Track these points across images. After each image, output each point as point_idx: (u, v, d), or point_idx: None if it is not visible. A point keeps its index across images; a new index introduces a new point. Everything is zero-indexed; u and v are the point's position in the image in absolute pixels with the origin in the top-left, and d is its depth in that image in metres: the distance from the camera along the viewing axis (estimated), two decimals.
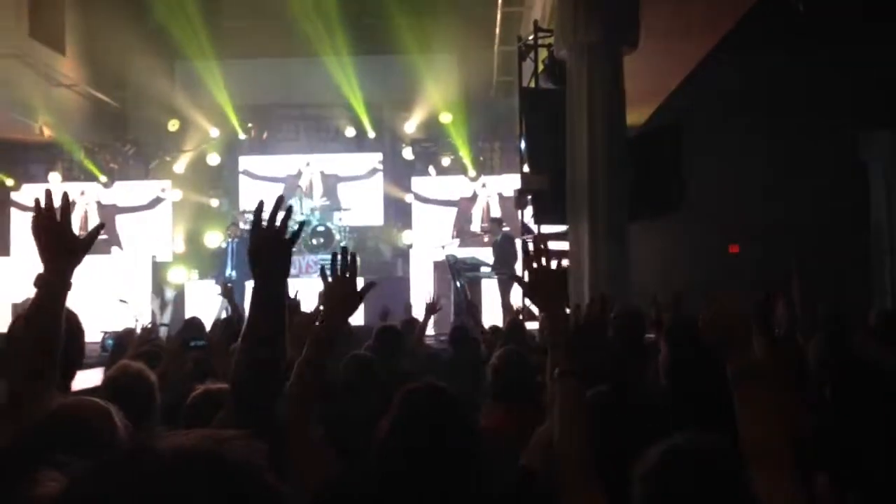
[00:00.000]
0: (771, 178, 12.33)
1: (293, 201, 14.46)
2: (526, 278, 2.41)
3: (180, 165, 15.77)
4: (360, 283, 2.30)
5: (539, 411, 2.72)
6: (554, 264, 2.40)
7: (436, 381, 1.99)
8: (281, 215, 1.90)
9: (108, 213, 14.94)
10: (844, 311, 6.04)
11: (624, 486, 1.62)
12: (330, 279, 2.27)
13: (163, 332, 9.02)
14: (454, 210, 15.09)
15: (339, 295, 2.23)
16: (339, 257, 2.27)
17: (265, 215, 1.88)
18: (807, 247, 11.54)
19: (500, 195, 14.71)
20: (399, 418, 1.91)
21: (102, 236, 12.22)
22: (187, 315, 12.51)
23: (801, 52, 10.02)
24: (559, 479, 1.89)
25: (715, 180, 12.06)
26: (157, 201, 15.17)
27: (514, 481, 2.00)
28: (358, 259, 2.35)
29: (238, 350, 1.84)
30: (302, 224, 2.31)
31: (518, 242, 10.61)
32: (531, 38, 9.80)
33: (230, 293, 7.23)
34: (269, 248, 1.86)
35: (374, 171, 15.94)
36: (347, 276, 2.26)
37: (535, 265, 2.37)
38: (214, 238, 14.53)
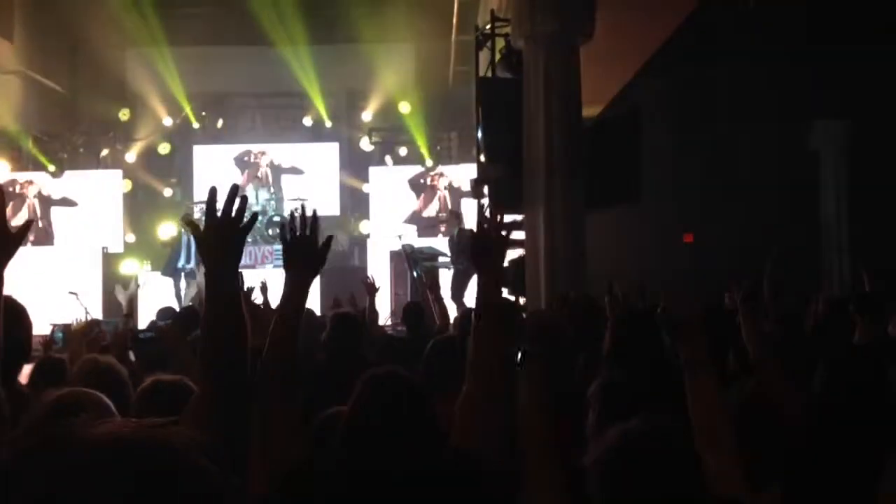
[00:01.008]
0: (725, 169, 12.50)
1: (248, 191, 14.32)
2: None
3: (132, 155, 15.52)
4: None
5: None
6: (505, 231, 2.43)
7: (397, 367, 2.02)
8: (236, 203, 1.87)
9: (46, 203, 14.66)
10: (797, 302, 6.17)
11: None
12: (289, 239, 2.21)
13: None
14: (411, 199, 15.06)
15: (301, 254, 2.18)
16: (296, 215, 2.22)
17: (219, 204, 1.85)
18: (759, 239, 11.71)
19: (450, 185, 14.71)
20: (360, 403, 1.93)
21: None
22: (140, 306, 12.37)
23: (755, 43, 10.16)
24: (523, 466, 1.92)
25: (669, 170, 12.21)
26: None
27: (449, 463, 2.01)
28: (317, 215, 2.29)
29: (200, 341, 1.83)
30: (256, 214, 2.27)
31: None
32: (488, 27, 9.78)
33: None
34: (221, 236, 1.83)
35: (331, 160, 15.85)
36: (308, 233, 2.20)
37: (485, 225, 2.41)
38: (168, 229, 14.32)
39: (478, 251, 2.42)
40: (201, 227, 1.88)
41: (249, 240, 14.14)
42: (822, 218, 13.43)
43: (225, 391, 1.73)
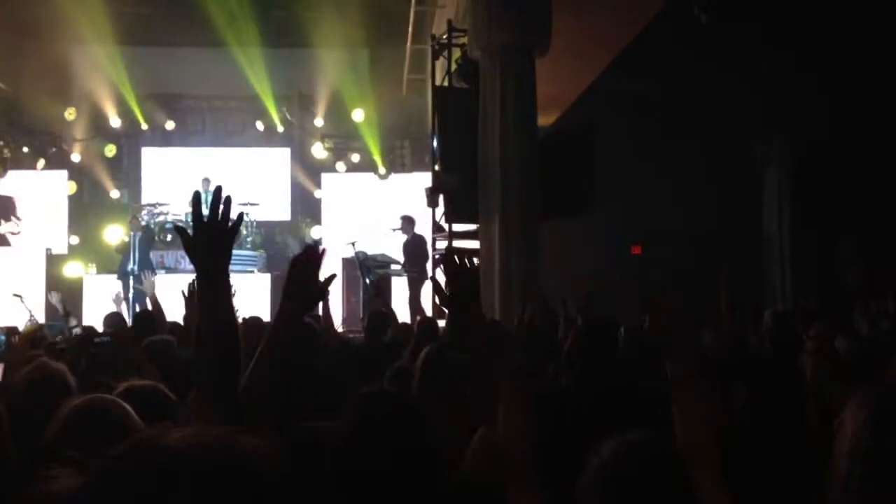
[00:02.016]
0: (672, 182, 12.73)
1: (199, 194, 14.13)
2: (443, 285, 2.32)
3: (78, 155, 15.19)
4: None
5: (464, 410, 2.73)
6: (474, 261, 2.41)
7: (389, 389, 2.01)
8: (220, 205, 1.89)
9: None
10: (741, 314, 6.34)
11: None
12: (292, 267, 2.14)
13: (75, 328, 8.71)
14: (363, 206, 15.02)
15: (301, 283, 2.09)
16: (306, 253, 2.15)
17: (204, 208, 1.87)
18: (706, 251, 11.97)
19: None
20: (357, 426, 1.91)
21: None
22: (84, 310, 12.14)
23: (704, 60, 10.39)
24: (504, 479, 1.91)
25: (618, 182, 12.39)
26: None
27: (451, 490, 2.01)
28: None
29: (196, 347, 1.84)
30: (241, 213, 2.23)
31: (429, 242, 10.63)
32: (445, 36, 9.85)
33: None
34: (212, 239, 1.85)
35: (283, 165, 15.74)
36: (311, 265, 2.12)
37: (451, 271, 2.25)
38: (115, 231, 14.05)
39: (454, 301, 2.27)
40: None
41: None
42: (764, 232, 13.76)
43: (223, 390, 1.75)
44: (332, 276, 2.15)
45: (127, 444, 0.81)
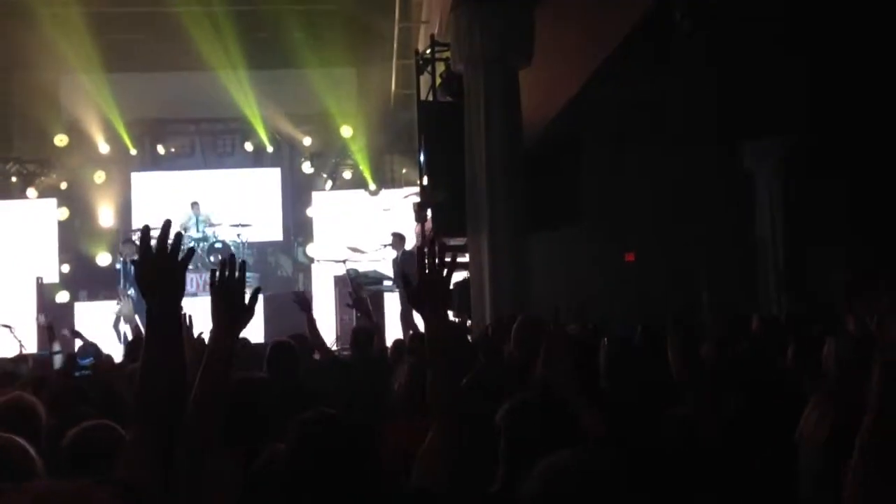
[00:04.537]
0: (664, 189, 12.70)
1: (189, 218, 14.12)
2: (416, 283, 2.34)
3: (67, 182, 15.16)
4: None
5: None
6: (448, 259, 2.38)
7: (326, 410, 1.97)
8: (171, 239, 1.84)
9: None
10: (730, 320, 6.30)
11: None
12: (216, 292, 2.17)
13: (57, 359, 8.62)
14: (355, 224, 14.98)
15: (227, 306, 2.12)
16: (226, 268, 2.17)
17: (153, 241, 1.83)
18: (698, 257, 11.93)
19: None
20: (294, 451, 1.88)
21: None
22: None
23: (688, 65, 10.38)
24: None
25: (610, 191, 12.36)
26: None
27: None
28: (246, 267, 2.22)
29: (138, 377, 1.80)
30: (192, 249, 2.22)
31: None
32: (428, 51, 9.85)
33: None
34: (158, 273, 1.80)
35: (273, 185, 15.73)
36: (235, 286, 2.16)
37: (426, 269, 2.31)
38: (106, 258, 14.00)
39: (420, 301, 2.35)
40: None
41: (191, 267, 13.88)
42: (757, 238, 13.70)
43: (160, 432, 1.71)
44: (257, 291, 2.19)
45: None
